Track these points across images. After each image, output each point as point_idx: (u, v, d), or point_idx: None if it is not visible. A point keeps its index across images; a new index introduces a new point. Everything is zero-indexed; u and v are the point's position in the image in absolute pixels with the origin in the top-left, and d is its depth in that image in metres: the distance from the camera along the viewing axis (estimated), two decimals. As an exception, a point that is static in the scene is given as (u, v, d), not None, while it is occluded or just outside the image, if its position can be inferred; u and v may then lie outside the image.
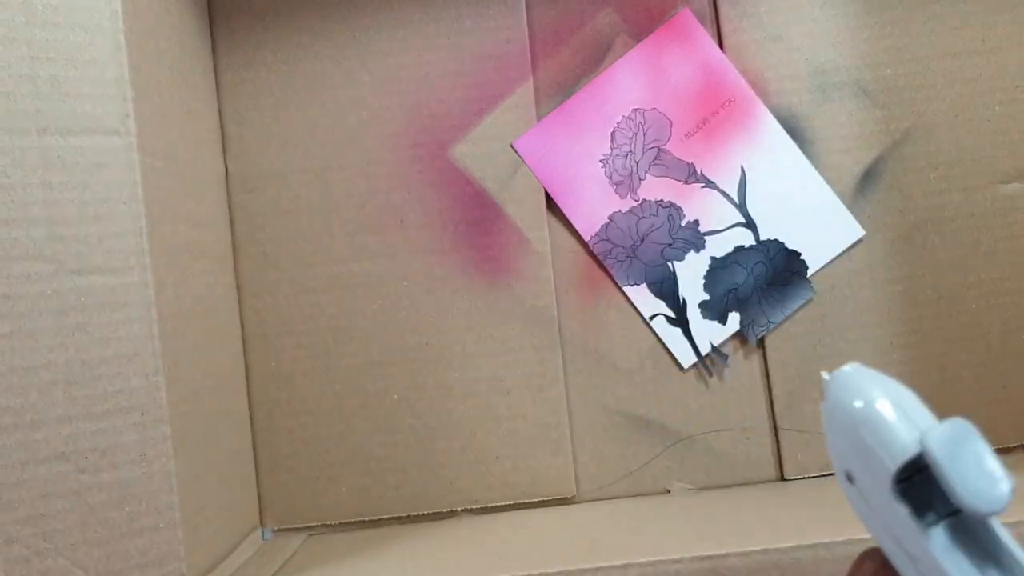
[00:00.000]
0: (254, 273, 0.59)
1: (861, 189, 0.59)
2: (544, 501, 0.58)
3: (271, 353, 0.59)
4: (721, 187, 0.59)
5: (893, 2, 0.60)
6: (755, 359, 0.59)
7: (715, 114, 0.59)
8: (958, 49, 0.59)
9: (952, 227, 0.59)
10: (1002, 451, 0.59)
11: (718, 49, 0.60)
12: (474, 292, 0.59)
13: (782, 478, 0.59)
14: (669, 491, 0.59)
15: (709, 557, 0.43)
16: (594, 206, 0.59)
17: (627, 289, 0.59)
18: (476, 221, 0.59)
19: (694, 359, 0.59)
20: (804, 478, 0.58)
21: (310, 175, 0.59)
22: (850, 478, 0.26)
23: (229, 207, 0.59)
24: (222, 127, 0.59)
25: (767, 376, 0.59)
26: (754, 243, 0.59)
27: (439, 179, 0.59)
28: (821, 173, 0.59)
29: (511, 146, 0.59)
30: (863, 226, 0.59)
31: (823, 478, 0.58)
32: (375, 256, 0.59)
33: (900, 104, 0.59)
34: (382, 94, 0.59)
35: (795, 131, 0.59)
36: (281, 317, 0.59)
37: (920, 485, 0.24)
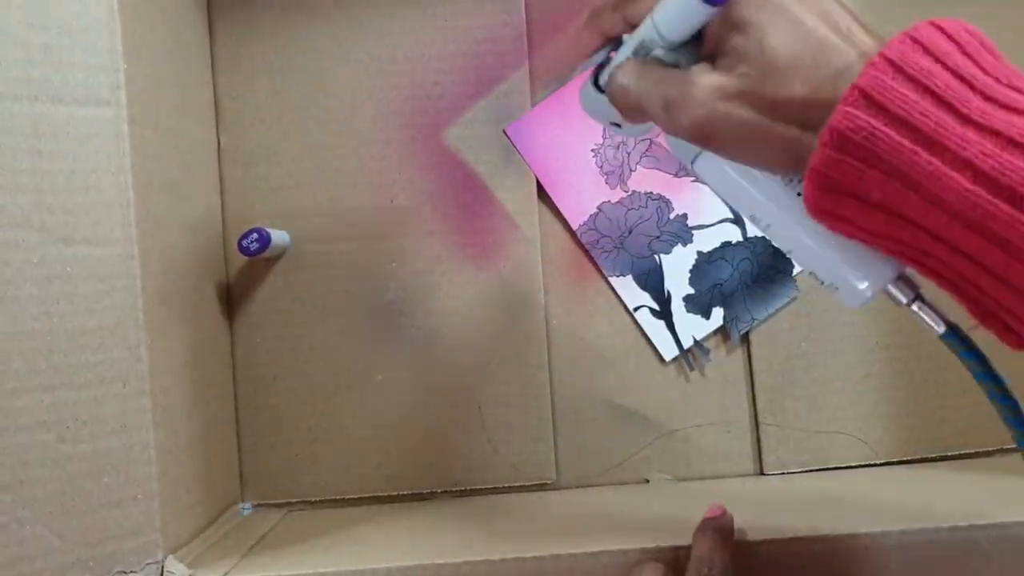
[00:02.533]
0: (243, 248, 0.59)
1: (852, 189, 0.59)
2: (524, 486, 0.59)
3: (257, 329, 0.59)
4: (712, 181, 0.59)
5: (893, 3, 0.59)
6: (738, 355, 0.60)
7: (710, 108, 0.59)
8: (955, 52, 0.59)
9: (941, 230, 0.59)
10: (985, 454, 0.59)
11: (716, 42, 0.59)
12: (462, 275, 0.59)
13: (761, 473, 0.59)
14: (648, 481, 0.59)
15: (680, 548, 0.44)
16: (584, 195, 0.59)
17: (613, 280, 0.59)
18: (467, 204, 0.59)
19: (676, 352, 0.59)
20: (783, 473, 0.58)
21: (302, 152, 0.59)
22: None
23: (220, 181, 0.59)
24: (216, 101, 0.59)
25: (750, 372, 0.59)
26: (741, 239, 0.59)
27: (431, 161, 0.59)
28: (813, 171, 0.59)
29: (503, 131, 0.59)
30: (852, 226, 0.59)
31: (802, 474, 0.58)
32: (364, 236, 0.59)
33: (895, 105, 0.59)
34: (377, 73, 0.59)
35: (789, 128, 0.59)
36: (268, 293, 0.59)
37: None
